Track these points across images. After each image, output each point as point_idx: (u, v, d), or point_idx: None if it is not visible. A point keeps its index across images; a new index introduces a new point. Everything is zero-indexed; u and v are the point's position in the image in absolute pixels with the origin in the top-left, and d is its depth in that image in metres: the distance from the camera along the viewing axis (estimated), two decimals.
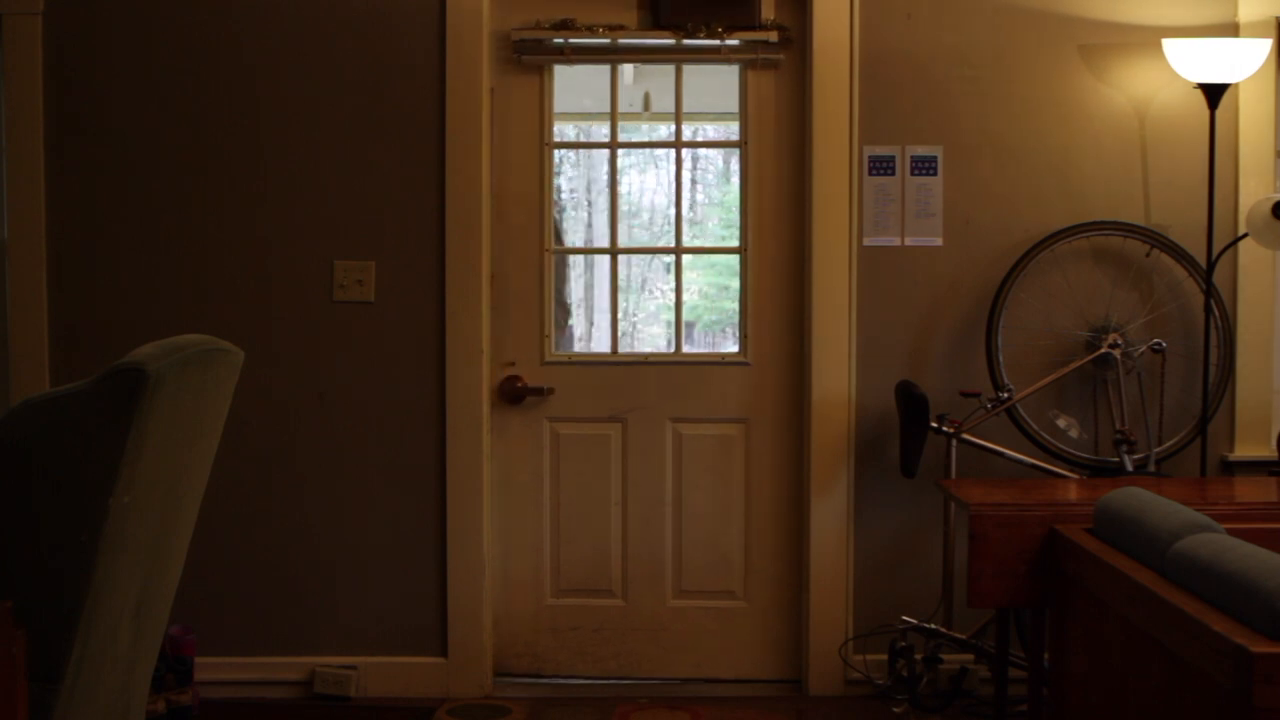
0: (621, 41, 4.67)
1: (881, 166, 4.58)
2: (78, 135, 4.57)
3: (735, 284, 5.14)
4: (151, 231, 4.59)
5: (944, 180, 4.59)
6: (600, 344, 6.06)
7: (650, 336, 5.29)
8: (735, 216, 5.08)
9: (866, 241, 4.60)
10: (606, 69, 4.83)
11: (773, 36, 4.64)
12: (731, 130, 4.84)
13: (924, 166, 4.59)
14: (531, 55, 4.69)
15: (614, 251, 4.92)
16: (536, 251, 4.76)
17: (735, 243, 4.92)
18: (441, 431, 4.58)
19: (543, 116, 4.75)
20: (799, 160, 4.69)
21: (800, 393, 4.71)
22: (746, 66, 4.71)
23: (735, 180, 5.00)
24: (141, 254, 4.59)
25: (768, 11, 4.66)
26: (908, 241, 4.61)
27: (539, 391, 4.74)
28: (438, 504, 4.60)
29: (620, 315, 5.03)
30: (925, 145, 4.59)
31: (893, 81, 4.58)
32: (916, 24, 4.57)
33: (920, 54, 4.58)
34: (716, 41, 4.64)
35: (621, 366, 4.81)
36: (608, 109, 4.90)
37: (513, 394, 4.72)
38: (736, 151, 4.83)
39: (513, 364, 4.76)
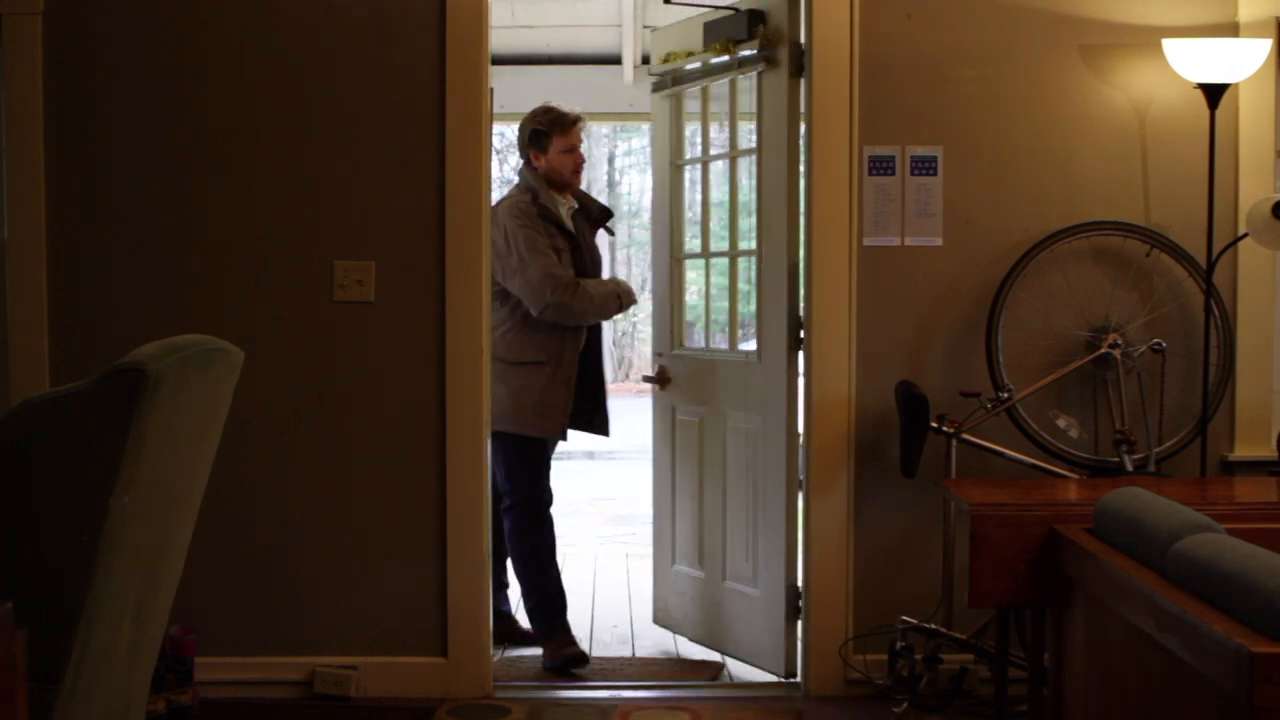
0: (712, 61, 5.05)
1: (881, 166, 4.58)
2: (78, 135, 4.56)
3: (739, 284, 5.17)
4: (151, 231, 4.59)
5: (944, 180, 4.59)
6: None
7: (648, 337, 5.40)
8: (738, 216, 5.12)
9: (866, 241, 4.60)
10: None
11: (753, 46, 4.77)
12: (742, 131, 4.96)
13: (924, 166, 4.58)
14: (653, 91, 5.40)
15: (705, 255, 5.29)
16: (666, 258, 5.38)
17: (738, 244, 5.03)
18: (442, 431, 4.58)
19: (671, 139, 5.28)
20: (797, 160, 4.69)
21: (800, 393, 4.71)
22: (761, 74, 4.79)
23: (743, 181, 5.11)
24: (141, 254, 4.59)
25: (770, 22, 4.76)
26: (908, 241, 4.61)
27: (666, 380, 5.36)
28: (438, 504, 4.60)
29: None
30: (925, 145, 4.59)
31: (893, 81, 4.58)
32: (916, 24, 4.57)
33: (920, 54, 4.58)
34: (727, 57, 4.93)
35: (704, 361, 5.24)
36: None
37: (659, 380, 5.38)
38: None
39: (661, 354, 5.40)
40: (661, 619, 5.48)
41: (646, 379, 5.51)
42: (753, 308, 4.95)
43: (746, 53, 4.85)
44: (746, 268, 5.10)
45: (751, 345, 4.96)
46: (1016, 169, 4.60)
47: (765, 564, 4.85)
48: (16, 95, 4.52)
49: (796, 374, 4.75)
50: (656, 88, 5.39)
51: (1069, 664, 3.39)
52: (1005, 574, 3.51)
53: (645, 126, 5.31)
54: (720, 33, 4.96)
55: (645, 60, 8.00)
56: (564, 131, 5.15)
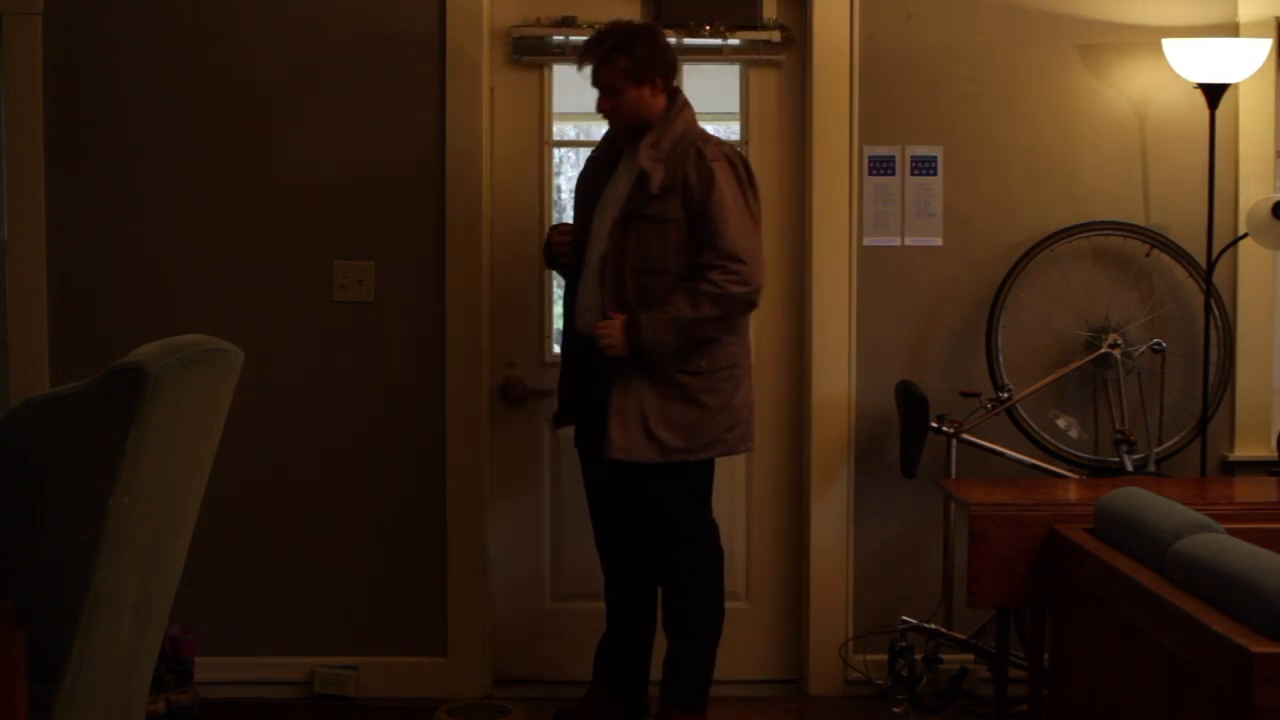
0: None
1: (881, 166, 4.58)
2: (78, 135, 4.56)
3: None
4: (152, 231, 4.58)
5: (944, 180, 4.59)
6: None
7: None
8: None
9: (866, 241, 4.60)
10: None
11: (775, 36, 4.61)
12: (732, 130, 4.83)
13: (924, 166, 4.59)
14: (531, 55, 4.64)
15: None
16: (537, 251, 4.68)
17: None
18: (441, 431, 4.58)
19: (542, 115, 4.71)
20: (799, 160, 4.68)
21: (800, 393, 4.71)
22: (747, 66, 4.70)
23: None
24: (141, 254, 4.58)
25: (769, 11, 4.64)
26: (908, 241, 4.61)
27: (524, 394, 4.70)
28: (438, 503, 4.60)
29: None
30: (925, 145, 4.59)
31: (893, 81, 4.58)
32: (916, 24, 4.57)
33: (920, 54, 4.58)
34: (719, 41, 4.59)
35: None
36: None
37: (515, 396, 4.68)
38: None
39: (514, 365, 4.71)
40: (519, 671, 4.74)
41: (504, 393, 4.68)
42: None
43: (734, 40, 4.59)
44: None
45: None
46: (1016, 169, 4.60)
47: (757, 570, 4.78)
48: (16, 95, 4.52)
49: (799, 374, 4.74)
50: (520, 50, 4.60)
51: (1069, 664, 3.39)
52: (1005, 574, 3.51)
53: None
54: (686, 11, 4.54)
55: None
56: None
